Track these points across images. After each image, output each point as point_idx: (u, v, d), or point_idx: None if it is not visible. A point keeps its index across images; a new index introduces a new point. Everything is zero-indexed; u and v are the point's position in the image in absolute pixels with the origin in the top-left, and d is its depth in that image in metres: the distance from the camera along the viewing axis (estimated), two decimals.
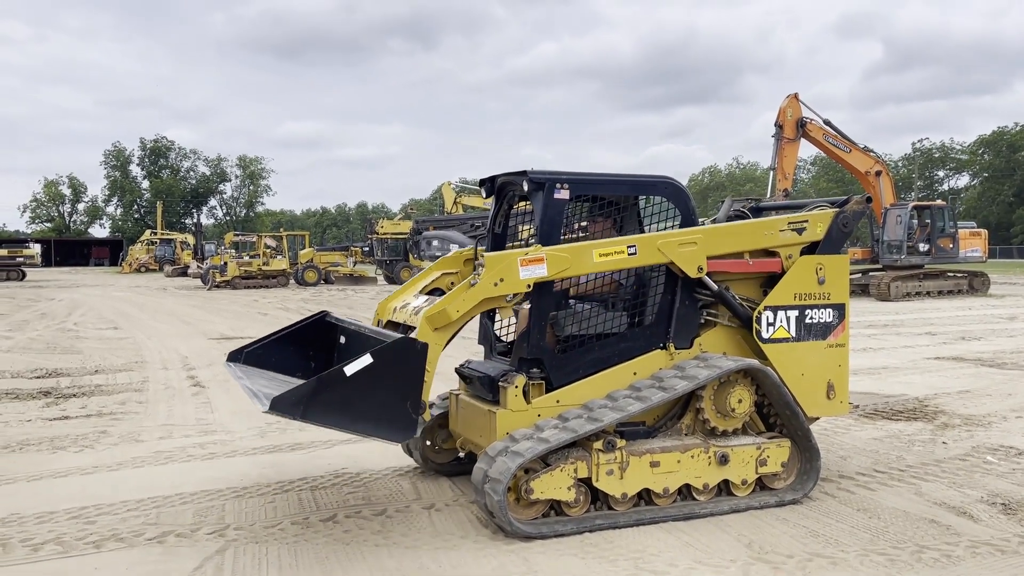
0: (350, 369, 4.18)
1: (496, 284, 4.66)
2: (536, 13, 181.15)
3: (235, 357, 5.44)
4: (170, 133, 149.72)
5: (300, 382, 4.43)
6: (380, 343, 4.40)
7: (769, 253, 5.35)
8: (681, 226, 5.23)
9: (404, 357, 4.33)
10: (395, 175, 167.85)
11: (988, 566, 4.10)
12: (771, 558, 4.20)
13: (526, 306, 5.13)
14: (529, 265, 4.72)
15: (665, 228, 5.44)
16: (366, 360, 4.22)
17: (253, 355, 5.47)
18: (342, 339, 5.50)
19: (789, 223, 5.37)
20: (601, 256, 4.89)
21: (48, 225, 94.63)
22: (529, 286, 4.73)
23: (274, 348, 5.54)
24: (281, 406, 4.05)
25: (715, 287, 5.20)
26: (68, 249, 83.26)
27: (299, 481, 5.59)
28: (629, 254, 4.95)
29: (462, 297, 4.65)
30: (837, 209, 5.50)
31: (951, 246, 24.16)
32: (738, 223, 5.43)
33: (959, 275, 24.84)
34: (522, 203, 5.58)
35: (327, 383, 4.15)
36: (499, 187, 5.55)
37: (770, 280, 5.39)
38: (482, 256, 4.80)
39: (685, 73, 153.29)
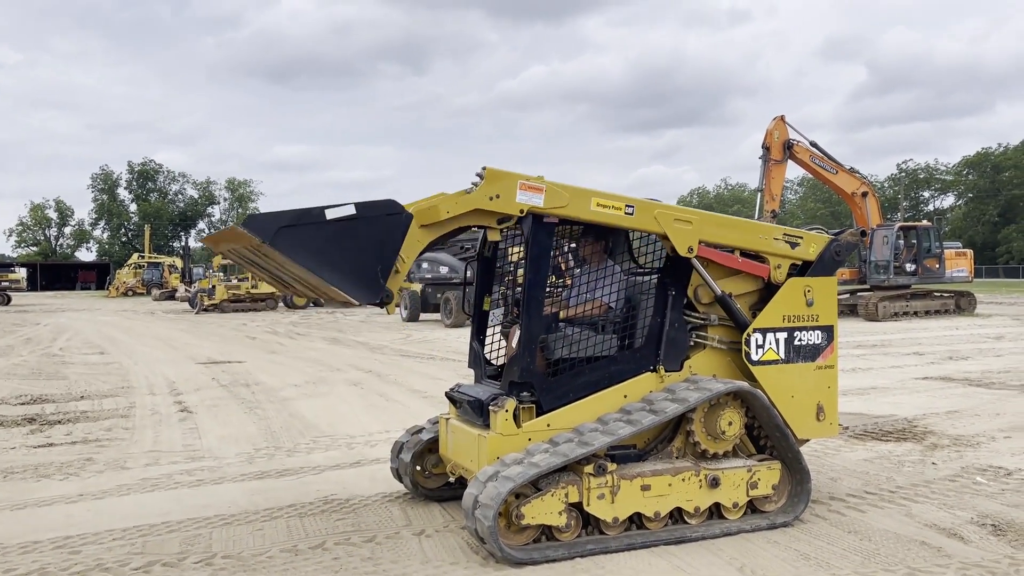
0: (331, 213, 4.18)
1: (491, 199, 4.64)
2: (526, 37, 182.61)
3: None
4: (161, 156, 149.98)
5: None
6: None
7: (760, 260, 5.39)
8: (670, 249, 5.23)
9: (386, 218, 4.33)
10: (385, 197, 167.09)
11: None
12: None
13: (517, 330, 5.13)
14: (528, 190, 4.71)
15: (653, 252, 5.46)
16: (349, 209, 4.23)
17: None
18: None
19: (784, 234, 5.42)
20: (599, 205, 4.88)
21: (34, 249, 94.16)
22: (523, 211, 4.71)
23: None
24: (255, 224, 4.06)
25: (719, 291, 5.22)
26: (54, 273, 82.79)
27: (288, 508, 5.53)
28: (626, 213, 4.94)
29: (455, 200, 4.63)
30: (832, 236, 5.56)
31: (937, 266, 24.36)
32: (736, 218, 5.46)
33: (946, 295, 25.01)
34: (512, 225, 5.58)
35: (305, 217, 4.15)
36: None
37: (759, 302, 5.42)
38: (483, 170, 4.75)
39: (673, 96, 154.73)
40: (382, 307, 4.43)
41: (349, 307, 4.62)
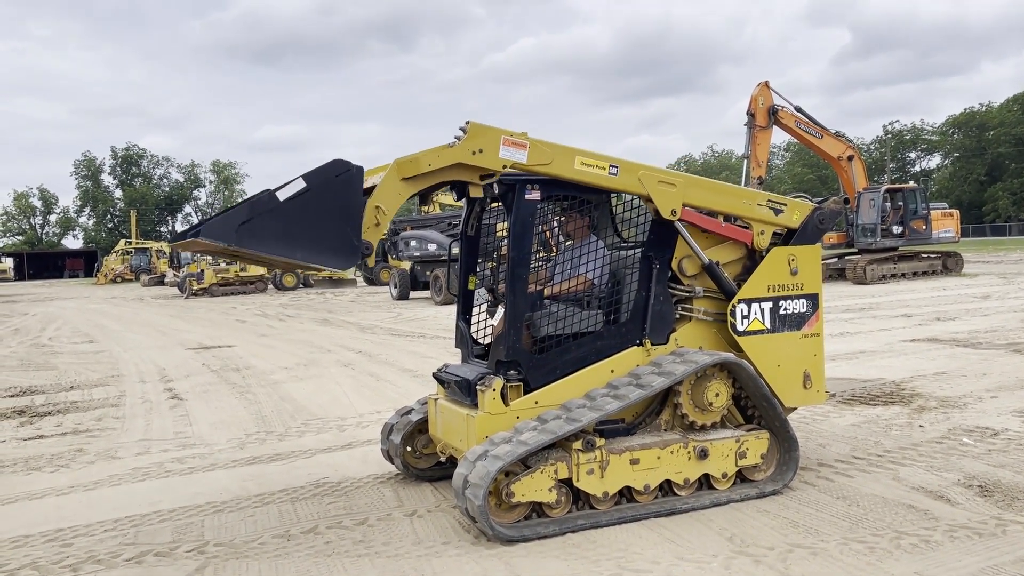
0: (283, 193, 4.09)
1: (474, 153, 4.61)
2: (513, 10, 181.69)
3: None
4: (148, 140, 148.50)
5: None
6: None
7: (743, 226, 5.37)
8: (653, 222, 5.22)
9: (337, 179, 4.23)
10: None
11: (966, 550, 4.14)
12: (752, 551, 4.22)
13: (502, 309, 5.11)
14: (511, 146, 4.67)
15: (637, 226, 5.44)
16: (299, 184, 4.13)
17: None
18: None
19: (768, 200, 5.40)
20: (582, 164, 4.85)
21: (19, 238, 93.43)
22: (505, 167, 4.68)
23: None
24: (213, 231, 3.98)
25: (707, 260, 5.22)
26: (41, 262, 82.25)
27: (279, 493, 5.54)
28: (609, 174, 4.92)
29: (437, 153, 4.60)
30: (815, 204, 5.54)
31: (924, 228, 24.43)
32: (720, 182, 5.44)
33: (933, 256, 25.12)
34: (494, 203, 5.55)
35: (258, 207, 4.06)
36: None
37: (742, 272, 5.41)
38: (467, 124, 4.70)
39: (660, 65, 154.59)
40: (363, 259, 4.40)
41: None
